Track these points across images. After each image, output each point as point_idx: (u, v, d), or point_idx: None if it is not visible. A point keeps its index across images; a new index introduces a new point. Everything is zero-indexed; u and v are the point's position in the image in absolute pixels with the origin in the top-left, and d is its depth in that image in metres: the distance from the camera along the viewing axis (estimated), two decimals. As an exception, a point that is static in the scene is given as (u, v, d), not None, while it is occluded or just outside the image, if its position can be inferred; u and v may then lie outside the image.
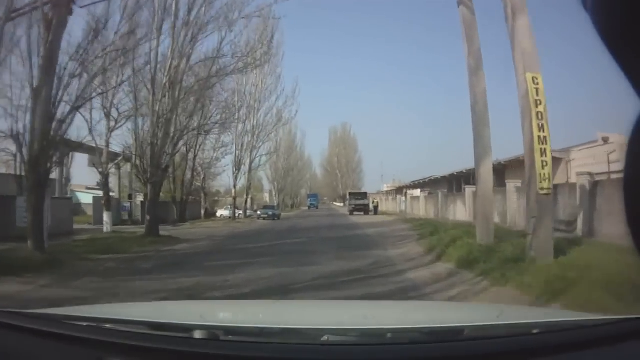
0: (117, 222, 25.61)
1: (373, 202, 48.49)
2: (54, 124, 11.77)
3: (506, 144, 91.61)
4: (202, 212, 39.16)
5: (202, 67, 21.30)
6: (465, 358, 1.28)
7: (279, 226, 28.18)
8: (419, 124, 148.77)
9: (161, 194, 36.08)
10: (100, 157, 21.45)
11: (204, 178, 38.64)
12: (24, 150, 11.83)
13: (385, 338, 1.59)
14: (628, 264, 5.38)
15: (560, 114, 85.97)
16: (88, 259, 11.54)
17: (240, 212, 40.93)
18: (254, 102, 38.88)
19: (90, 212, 28.83)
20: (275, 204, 50.43)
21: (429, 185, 42.28)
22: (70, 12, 11.76)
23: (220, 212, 43.52)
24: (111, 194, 32.59)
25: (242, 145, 38.62)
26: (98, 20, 13.55)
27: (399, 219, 30.52)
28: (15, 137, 12.23)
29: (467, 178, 31.85)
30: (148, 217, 18.72)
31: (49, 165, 11.89)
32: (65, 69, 11.97)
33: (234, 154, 38.28)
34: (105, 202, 21.69)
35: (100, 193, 23.48)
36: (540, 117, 8.25)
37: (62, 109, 13.45)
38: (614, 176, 13.72)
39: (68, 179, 33.64)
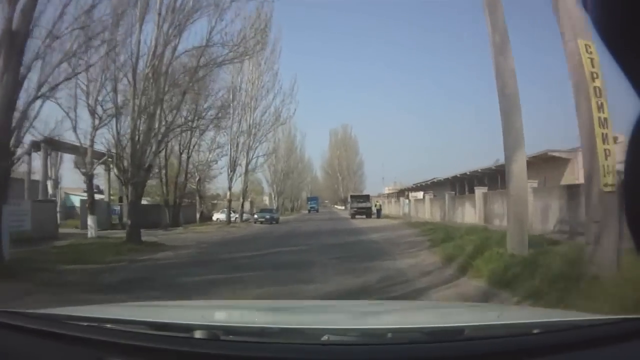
0: (107, 226, 24.65)
1: (376, 205, 46.56)
2: (15, 114, 10.48)
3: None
4: (197, 215, 37.39)
5: (191, 58, 19.54)
6: (465, 358, 1.26)
7: (277, 231, 26.54)
8: (420, 126, 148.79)
9: (156, 197, 35.08)
10: (84, 157, 19.69)
11: (199, 180, 36.86)
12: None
13: (385, 338, 1.56)
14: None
15: (560, 114, 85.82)
16: (50, 270, 10.03)
17: (237, 215, 39.10)
18: (250, 100, 37.18)
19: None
20: (274, 207, 48.78)
21: (432, 187, 41.86)
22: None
23: (217, 216, 42.38)
24: (101, 196, 31.05)
25: (237, 146, 36.96)
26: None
27: (403, 223, 29.53)
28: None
29: (472, 180, 30.61)
30: (129, 222, 16.91)
31: (8, 162, 10.53)
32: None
33: (229, 155, 36.63)
34: (89, 205, 20.09)
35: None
36: (598, 93, 6.44)
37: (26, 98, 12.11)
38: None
39: (57, 181, 31.93)
